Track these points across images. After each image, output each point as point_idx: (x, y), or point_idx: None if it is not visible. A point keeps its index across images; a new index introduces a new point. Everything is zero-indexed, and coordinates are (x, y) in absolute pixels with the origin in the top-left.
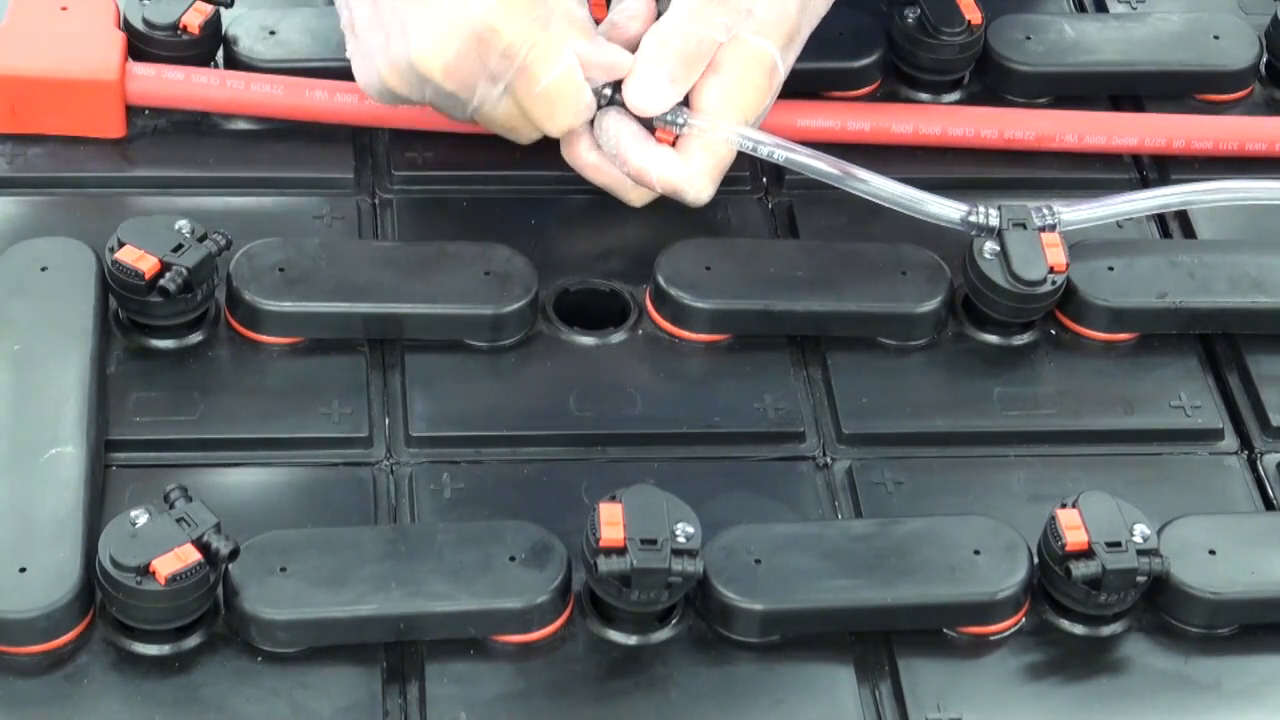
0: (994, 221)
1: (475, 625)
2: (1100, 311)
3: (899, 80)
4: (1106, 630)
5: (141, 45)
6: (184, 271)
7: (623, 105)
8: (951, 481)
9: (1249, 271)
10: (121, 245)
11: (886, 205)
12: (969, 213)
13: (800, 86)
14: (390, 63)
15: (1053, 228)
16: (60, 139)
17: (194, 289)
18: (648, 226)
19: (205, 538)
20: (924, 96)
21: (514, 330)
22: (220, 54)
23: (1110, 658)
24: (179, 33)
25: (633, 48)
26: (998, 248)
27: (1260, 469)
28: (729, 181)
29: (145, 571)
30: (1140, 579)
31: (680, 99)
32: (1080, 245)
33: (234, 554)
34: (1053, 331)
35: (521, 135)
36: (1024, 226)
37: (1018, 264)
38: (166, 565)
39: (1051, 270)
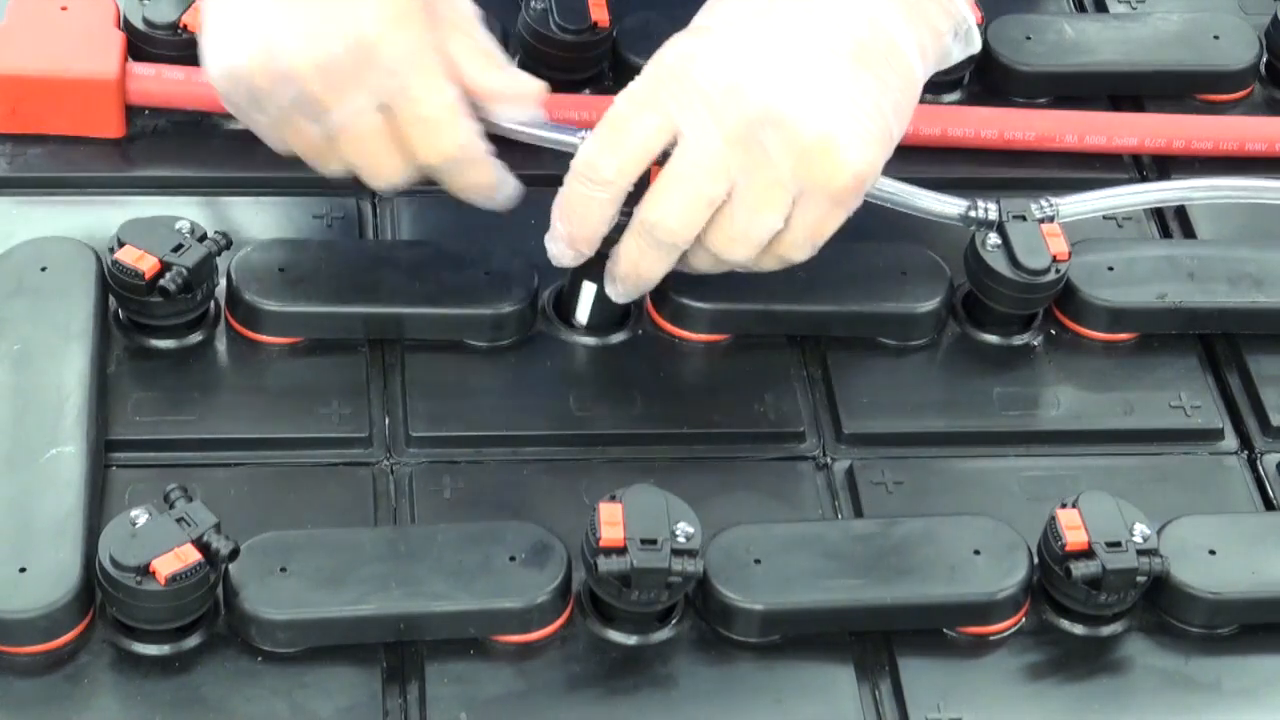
0: (993, 215)
1: (475, 625)
2: (1100, 311)
3: None
4: (1106, 630)
5: (141, 45)
6: (184, 271)
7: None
8: (951, 481)
9: (1249, 271)
10: (121, 245)
11: (884, 204)
12: (969, 208)
13: None
14: (251, 52)
15: (1051, 219)
16: (60, 139)
17: (194, 289)
18: None
19: (205, 538)
20: (924, 96)
21: (514, 330)
22: None
23: (1110, 658)
24: (179, 32)
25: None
26: (999, 240)
27: (1260, 469)
28: None
29: (145, 571)
30: (1140, 579)
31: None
32: (1081, 244)
33: (234, 554)
34: (1053, 331)
35: (380, 168)
36: (1024, 219)
37: (1021, 253)
38: (166, 565)
39: (1055, 259)
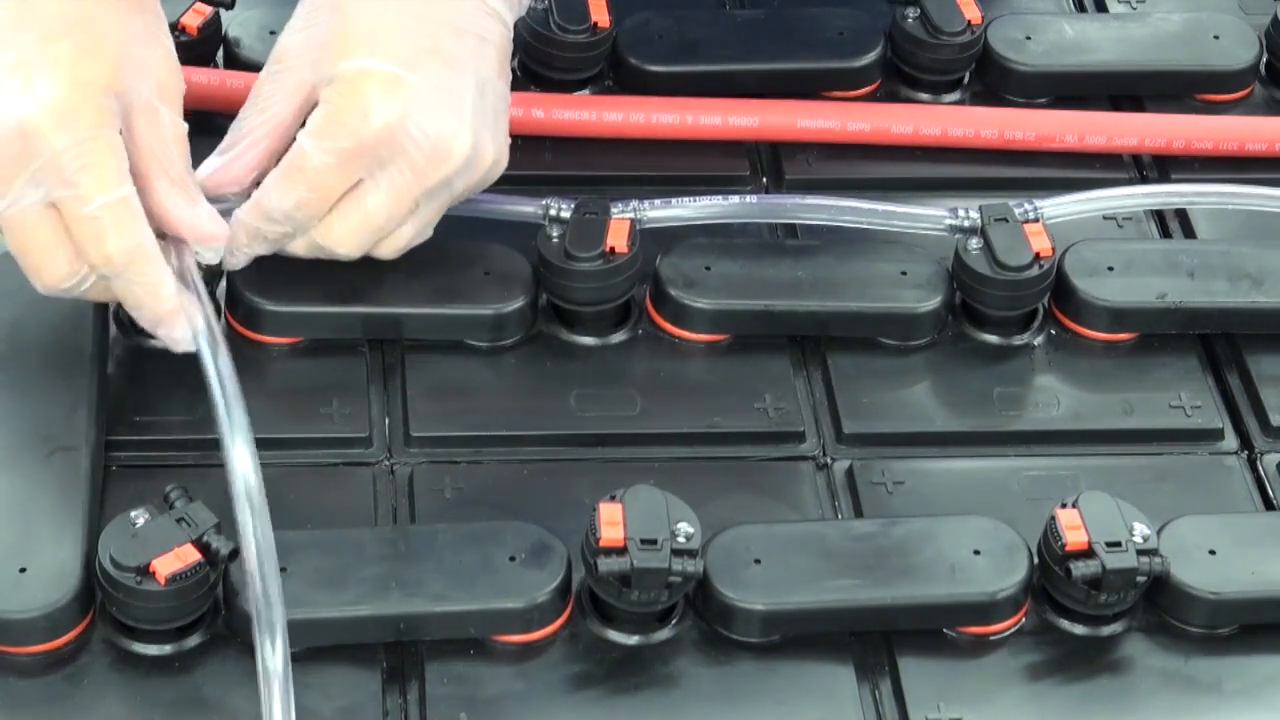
0: (975, 218)
1: (475, 625)
2: (1100, 311)
3: (899, 80)
4: (1106, 630)
5: None
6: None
7: None
8: (951, 481)
9: (1248, 271)
10: None
11: (870, 227)
12: (949, 217)
13: (800, 86)
14: None
15: (1035, 220)
16: None
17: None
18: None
19: (205, 538)
20: (924, 96)
21: (514, 330)
22: (220, 54)
23: (1110, 658)
24: (177, 33)
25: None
26: (981, 242)
27: (1260, 469)
28: (729, 180)
29: (145, 572)
30: (1140, 579)
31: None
32: (1080, 245)
33: (234, 554)
34: (1052, 331)
35: (44, 265)
36: (1006, 221)
37: (1002, 252)
38: (166, 565)
39: (1038, 256)
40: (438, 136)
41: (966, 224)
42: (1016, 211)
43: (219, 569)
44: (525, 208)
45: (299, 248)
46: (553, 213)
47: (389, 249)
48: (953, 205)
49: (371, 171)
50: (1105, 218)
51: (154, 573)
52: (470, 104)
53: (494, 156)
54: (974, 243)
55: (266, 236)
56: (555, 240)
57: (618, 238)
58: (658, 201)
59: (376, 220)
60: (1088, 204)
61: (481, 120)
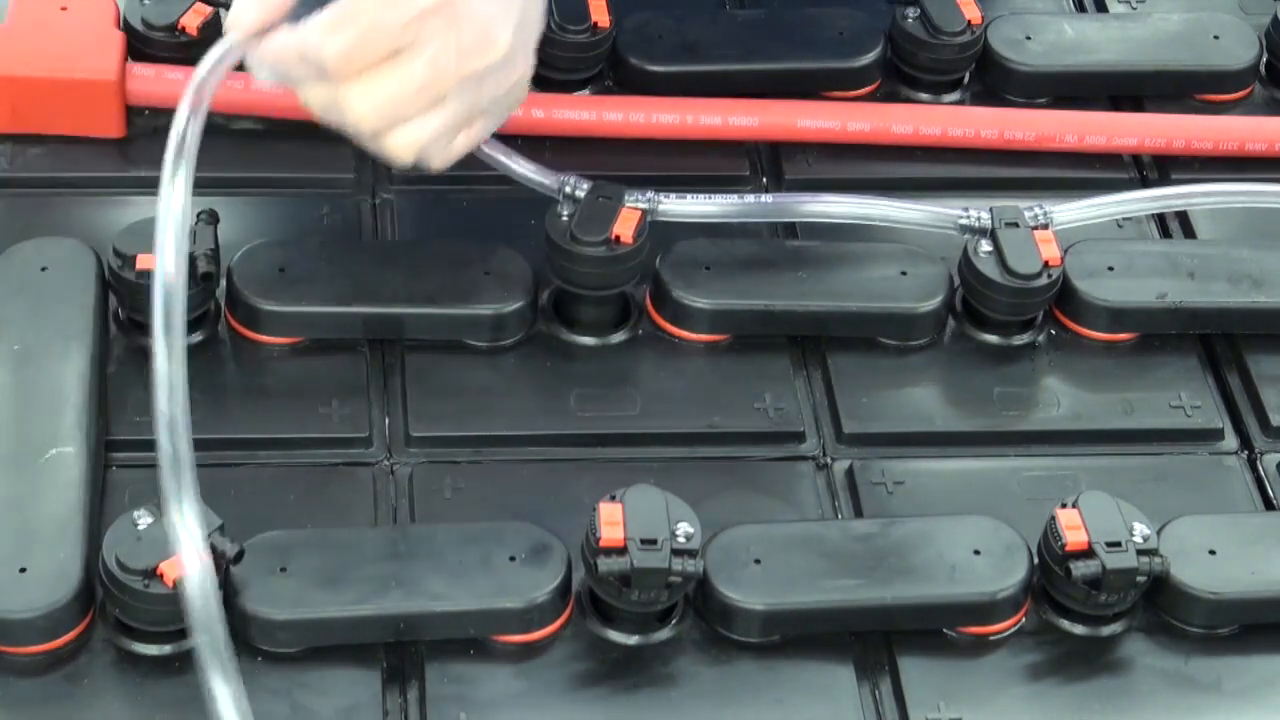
0: (986, 222)
1: (475, 625)
2: (1100, 311)
3: (899, 80)
4: (1106, 630)
5: (140, 46)
6: (209, 252)
7: None
8: (951, 481)
9: (1249, 271)
10: (129, 256)
11: (879, 224)
12: (962, 217)
13: (800, 86)
14: None
15: (1045, 226)
16: (60, 139)
17: (219, 266)
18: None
19: (209, 539)
20: (924, 96)
21: (514, 330)
22: None
23: (1110, 658)
24: (177, 33)
25: None
26: (991, 246)
27: (1260, 469)
28: (729, 180)
29: (152, 575)
30: (1140, 579)
31: None
32: (1080, 245)
33: (239, 556)
34: (1053, 331)
35: None
36: (1016, 225)
37: (1013, 259)
38: (174, 568)
39: (1046, 265)
40: (487, 23)
41: (977, 224)
42: (1027, 215)
43: (223, 571)
44: (544, 179)
45: (316, 97)
46: (568, 190)
47: (405, 139)
48: (954, 206)
49: (417, 41)
50: None
51: (161, 575)
52: (518, 7)
53: (523, 71)
54: (984, 246)
55: (290, 74)
56: (564, 219)
57: (625, 227)
58: (673, 196)
59: (408, 88)
60: (1099, 209)
61: (521, 29)
